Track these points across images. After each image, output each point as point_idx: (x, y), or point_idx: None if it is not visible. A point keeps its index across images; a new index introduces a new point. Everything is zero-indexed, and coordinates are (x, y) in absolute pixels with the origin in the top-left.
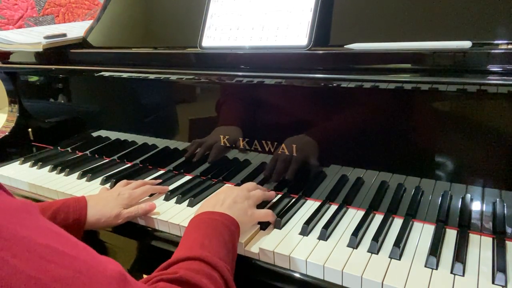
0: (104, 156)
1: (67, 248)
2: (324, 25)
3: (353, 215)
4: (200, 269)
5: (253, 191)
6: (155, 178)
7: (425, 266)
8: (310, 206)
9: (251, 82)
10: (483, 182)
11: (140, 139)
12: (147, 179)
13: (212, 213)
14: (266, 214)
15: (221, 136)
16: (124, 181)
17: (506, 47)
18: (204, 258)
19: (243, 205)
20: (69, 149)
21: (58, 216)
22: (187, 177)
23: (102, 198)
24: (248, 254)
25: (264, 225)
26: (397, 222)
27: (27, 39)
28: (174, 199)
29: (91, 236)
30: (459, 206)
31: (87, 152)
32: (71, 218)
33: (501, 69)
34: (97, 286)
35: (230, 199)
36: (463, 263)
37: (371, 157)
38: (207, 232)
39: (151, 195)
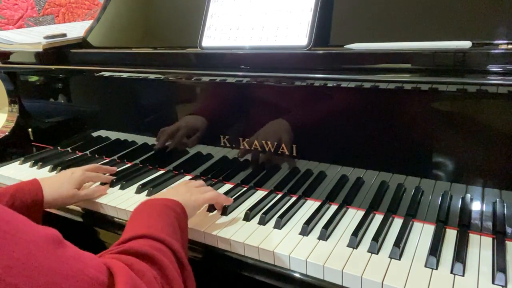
0: (104, 156)
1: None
2: (324, 25)
3: (353, 215)
4: (148, 244)
5: (200, 187)
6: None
7: (425, 266)
8: (310, 206)
9: (251, 82)
10: (483, 182)
11: (140, 139)
12: (147, 179)
13: (154, 199)
14: (213, 197)
15: (221, 136)
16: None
17: (506, 47)
18: (151, 235)
19: (184, 191)
20: (69, 149)
21: (16, 198)
22: (187, 177)
23: (56, 178)
24: (248, 254)
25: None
26: (397, 222)
27: (27, 39)
28: None
29: (91, 236)
30: (459, 206)
31: (87, 152)
32: (29, 199)
33: (501, 69)
34: (31, 246)
35: (171, 191)
36: (463, 263)
37: (371, 157)
38: (152, 215)
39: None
